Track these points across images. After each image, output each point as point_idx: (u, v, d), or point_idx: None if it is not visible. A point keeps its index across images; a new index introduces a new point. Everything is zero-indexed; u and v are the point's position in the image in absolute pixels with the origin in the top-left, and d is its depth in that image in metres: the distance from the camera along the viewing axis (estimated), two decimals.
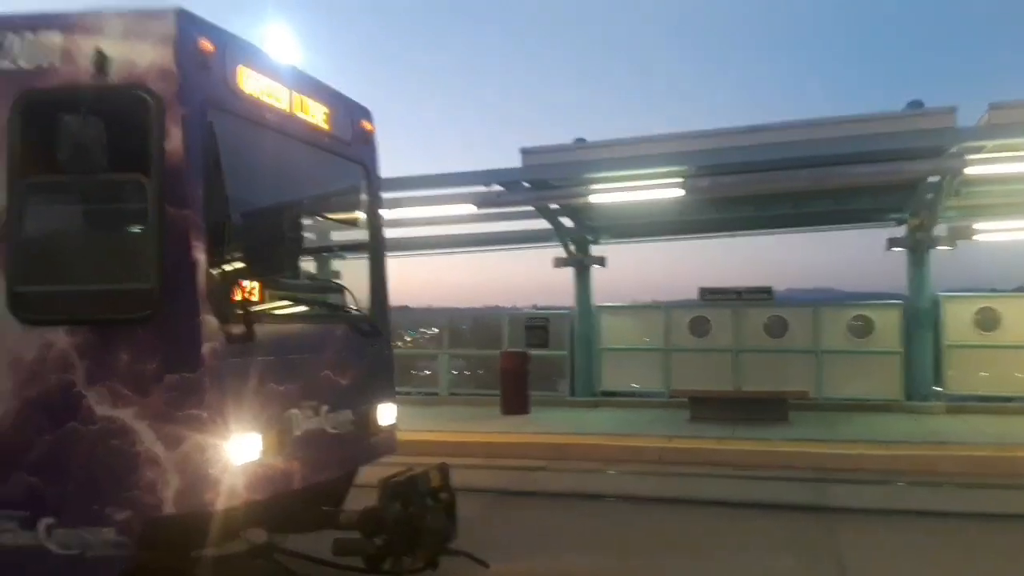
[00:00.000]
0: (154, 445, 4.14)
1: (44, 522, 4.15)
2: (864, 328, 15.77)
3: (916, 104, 13.58)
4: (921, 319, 15.02)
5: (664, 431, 12.59)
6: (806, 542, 7.10)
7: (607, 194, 13.97)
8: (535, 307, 20.18)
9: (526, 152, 14.86)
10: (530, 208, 15.83)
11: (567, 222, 16.81)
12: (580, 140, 15.46)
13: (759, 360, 15.98)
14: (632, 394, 17.05)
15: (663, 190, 13.53)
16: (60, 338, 4.19)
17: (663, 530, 7.65)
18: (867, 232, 17.26)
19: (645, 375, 16.92)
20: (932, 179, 13.70)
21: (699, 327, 16.57)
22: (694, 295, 16.68)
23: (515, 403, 14.84)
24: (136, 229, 4.51)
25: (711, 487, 9.42)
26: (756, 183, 13.85)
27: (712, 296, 16.48)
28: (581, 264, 17.20)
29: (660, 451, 11.32)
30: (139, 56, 4.29)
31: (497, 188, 14.48)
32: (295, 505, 5.19)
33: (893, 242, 15.20)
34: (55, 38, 4.32)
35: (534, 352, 16.21)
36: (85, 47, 4.28)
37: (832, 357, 15.76)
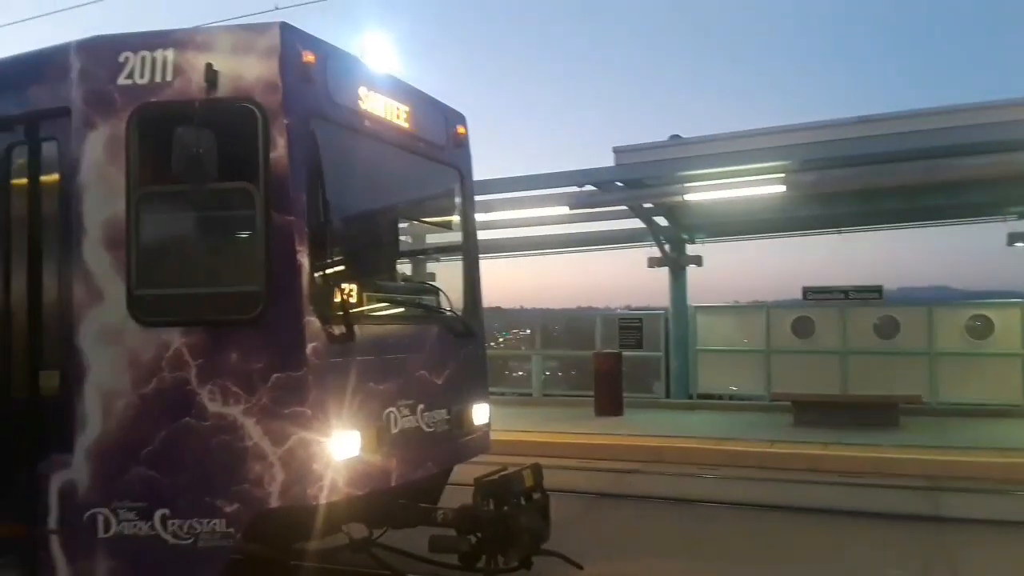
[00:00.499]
0: (261, 441, 4.32)
1: (159, 513, 4.36)
2: (983, 329, 14.88)
3: None
4: None
5: (765, 435, 12.22)
6: (917, 553, 6.75)
7: (704, 192, 13.68)
8: (628, 307, 20.00)
9: (619, 151, 14.76)
10: (623, 208, 15.69)
11: (662, 221, 16.57)
12: (675, 137, 15.23)
13: (868, 362, 15.32)
14: (730, 397, 16.66)
15: (764, 186, 13.15)
16: (175, 338, 4.40)
17: (764, 537, 7.42)
18: (986, 227, 16.31)
19: (744, 377, 16.50)
20: None
21: (802, 328, 16.03)
22: (798, 295, 16.15)
23: (608, 404, 14.74)
24: (244, 235, 4.76)
25: (815, 494, 9.08)
26: (865, 177, 13.26)
27: (816, 295, 15.91)
28: (676, 264, 16.91)
29: (761, 456, 11.00)
30: (246, 70, 4.51)
31: (590, 188, 14.42)
32: (393, 501, 5.32)
33: (1014, 237, 14.30)
34: (168, 55, 4.56)
35: (628, 353, 16.06)
36: (196, 63, 4.51)
37: (948, 359, 14.95)
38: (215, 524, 4.32)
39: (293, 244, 4.40)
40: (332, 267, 4.73)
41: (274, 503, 4.33)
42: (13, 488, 4.68)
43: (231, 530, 4.32)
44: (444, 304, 5.97)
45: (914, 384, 14.53)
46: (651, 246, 17.18)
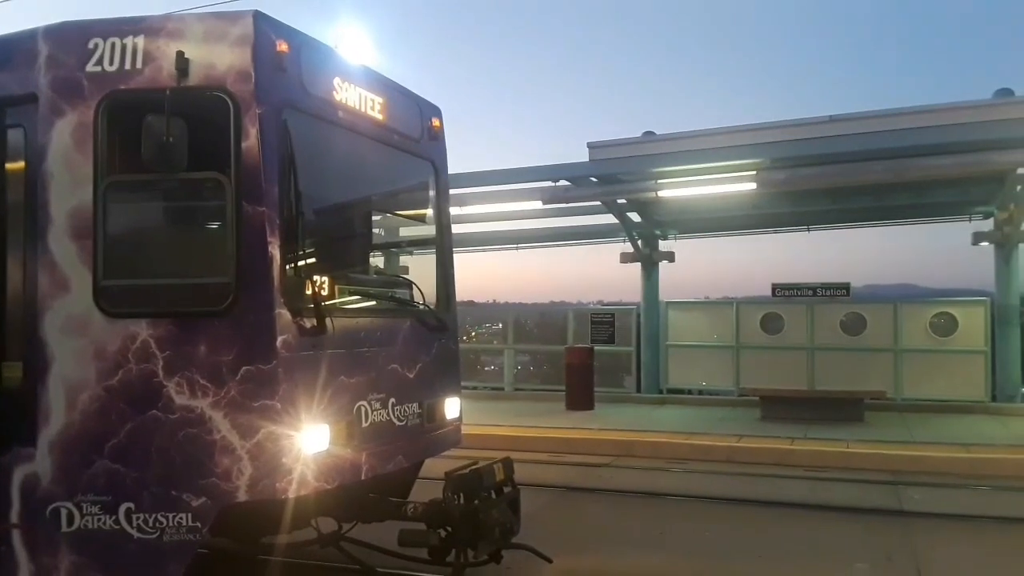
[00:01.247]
0: (229, 434, 4.26)
1: (124, 507, 4.28)
2: (947, 326, 15.15)
3: (1006, 92, 12.95)
4: (1009, 317, 14.37)
5: (734, 430, 12.36)
6: (881, 547, 6.87)
7: (676, 188, 13.75)
8: (600, 303, 20.09)
9: (593, 146, 14.75)
10: (597, 203, 15.73)
11: (635, 217, 16.64)
12: (649, 133, 15.27)
13: (834, 358, 15.53)
14: (700, 392, 16.80)
15: (735, 184, 13.25)
16: (142, 330, 4.32)
17: (731, 531, 7.51)
18: (951, 226, 16.59)
19: (714, 372, 16.65)
20: (1022, 171, 13.02)
21: (771, 324, 16.21)
22: (767, 292, 16.32)
23: (580, 399, 14.79)
24: (214, 225, 4.65)
25: (782, 488, 9.20)
26: (834, 176, 13.40)
27: (785, 292, 16.08)
28: (649, 260, 17.01)
29: (729, 450, 11.12)
30: (218, 58, 4.42)
31: (564, 183, 14.43)
32: (363, 495, 5.28)
33: (979, 236, 14.56)
34: (139, 42, 4.45)
35: (599, 348, 16.13)
36: (167, 50, 4.41)
37: (912, 356, 15.21)
38: (181, 518, 4.26)
39: (264, 235, 4.32)
40: (304, 259, 4.65)
41: (242, 497, 4.27)
42: None
43: (197, 524, 4.26)
44: (417, 298, 5.94)
45: (880, 380, 14.76)
46: (624, 242, 17.24)
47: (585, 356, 15.16)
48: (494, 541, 5.23)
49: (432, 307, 5.98)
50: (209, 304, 4.39)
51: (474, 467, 5.39)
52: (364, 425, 4.91)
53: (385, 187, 6.27)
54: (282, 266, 4.39)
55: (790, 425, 12.60)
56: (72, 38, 4.53)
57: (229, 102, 4.37)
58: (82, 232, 4.38)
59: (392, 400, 5.21)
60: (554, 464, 10.47)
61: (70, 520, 4.32)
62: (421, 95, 6.12)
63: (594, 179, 14.66)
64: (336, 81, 5.05)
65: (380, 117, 5.48)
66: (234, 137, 4.35)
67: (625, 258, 17.18)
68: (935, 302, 16.21)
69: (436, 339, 5.88)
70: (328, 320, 4.63)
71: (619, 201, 15.55)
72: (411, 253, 7.54)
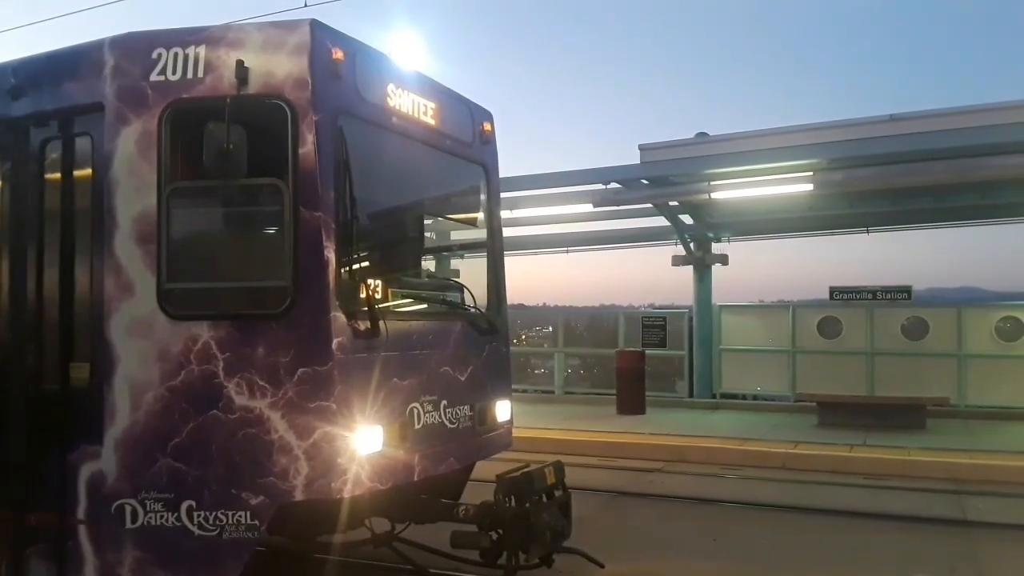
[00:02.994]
0: (287, 434, 4.36)
1: (186, 504, 4.39)
2: (1013, 330, 14.64)
3: None
4: None
5: (789, 436, 12.12)
6: (943, 558, 6.67)
7: (730, 190, 13.58)
8: (651, 306, 19.91)
9: (644, 148, 14.67)
10: (648, 206, 15.62)
11: (687, 219, 16.47)
12: (702, 134, 15.11)
13: (895, 364, 15.14)
14: (754, 397, 16.54)
15: (791, 185, 13.02)
16: (203, 332, 4.43)
17: (786, 538, 7.38)
18: (1017, 227, 16.04)
19: (768, 377, 16.37)
20: None
21: (829, 328, 15.87)
22: (824, 295, 16.00)
23: (631, 403, 14.70)
24: (272, 230, 4.78)
25: (840, 496, 9.00)
26: (894, 176, 13.08)
27: (844, 295, 15.74)
28: (702, 262, 16.81)
29: (785, 456, 10.91)
30: (276, 67, 4.54)
31: (615, 186, 14.37)
32: (415, 496, 5.35)
33: None
34: (200, 51, 4.59)
35: (651, 352, 16.00)
36: (228, 59, 4.53)
37: (976, 361, 14.73)
38: (240, 516, 4.37)
39: (320, 240, 4.43)
40: (359, 263, 4.76)
41: (298, 496, 4.36)
42: (44, 478, 4.75)
43: (256, 522, 4.36)
44: (468, 301, 6.00)
45: (942, 386, 14.33)
46: (676, 244, 17.08)
47: (636, 360, 15.05)
48: (545, 544, 5.23)
49: (483, 310, 6.03)
50: (267, 307, 4.50)
51: (525, 470, 5.40)
52: (417, 427, 4.97)
53: (438, 191, 6.35)
54: (337, 270, 4.49)
55: (848, 432, 12.31)
56: (137, 48, 4.67)
57: (287, 109, 4.48)
58: (146, 237, 4.52)
59: (444, 402, 5.25)
60: (604, 468, 10.42)
61: (134, 517, 4.43)
62: (471, 98, 6.20)
63: (645, 181, 14.57)
64: (390, 87, 5.15)
65: (433, 122, 5.55)
66: (291, 144, 4.46)
67: (677, 261, 17.02)
68: (1000, 306, 15.69)
69: (487, 342, 5.93)
70: (382, 323, 4.70)
71: (671, 203, 15.41)
72: (462, 256, 7.61)
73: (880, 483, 9.66)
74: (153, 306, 4.48)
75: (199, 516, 4.39)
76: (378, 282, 5.05)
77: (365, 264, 4.88)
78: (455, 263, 8.06)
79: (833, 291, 15.84)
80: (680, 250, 16.97)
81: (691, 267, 16.91)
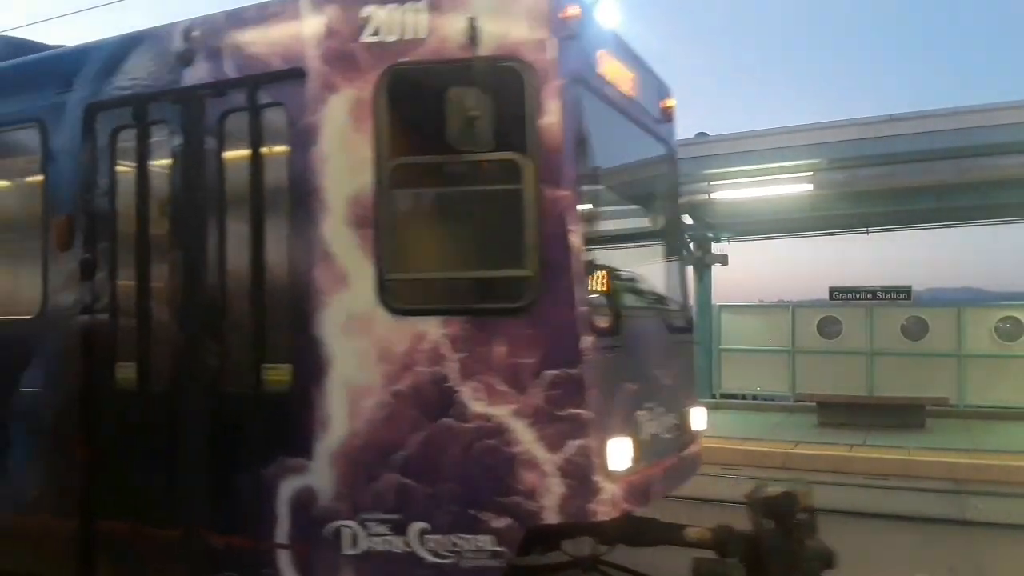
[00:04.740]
0: (533, 447, 3.74)
1: (416, 527, 3.79)
2: (1013, 331, 14.66)
3: None
4: None
5: (789, 436, 12.13)
6: (943, 558, 6.67)
7: (730, 190, 13.59)
8: None
9: None
10: None
11: (686, 219, 16.46)
12: (701, 134, 15.12)
13: (895, 363, 15.15)
14: (754, 396, 16.55)
15: (791, 185, 13.03)
16: (432, 329, 3.82)
17: None
18: (1018, 228, 16.07)
19: (768, 377, 16.39)
20: None
21: (829, 328, 15.89)
22: (824, 295, 16.03)
23: None
24: (511, 212, 4.05)
25: (840, 496, 8.97)
26: (894, 176, 13.10)
27: (844, 296, 15.75)
28: (701, 262, 16.81)
29: (785, 456, 10.92)
30: (511, 25, 3.88)
31: None
32: (635, 516, 4.57)
33: None
34: (420, 9, 3.92)
35: None
36: (453, 18, 3.87)
37: (976, 361, 14.75)
38: (481, 541, 3.74)
39: (565, 223, 3.79)
40: (596, 250, 4.23)
41: (550, 518, 3.73)
42: (232, 496, 4.14)
43: (501, 548, 3.73)
44: (668, 293, 5.36)
45: (942, 386, 14.35)
46: None
47: None
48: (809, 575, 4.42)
49: (681, 303, 5.40)
50: (508, 300, 3.91)
51: (784, 490, 4.59)
52: (644, 438, 4.36)
53: (636, 172, 5.64)
54: (583, 258, 3.90)
55: (848, 431, 12.32)
56: (344, 6, 4.04)
57: (525, 74, 3.83)
58: (362, 221, 3.90)
59: (661, 409, 4.64)
60: None
61: (353, 541, 3.84)
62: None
63: None
64: (601, 52, 4.42)
65: (633, 94, 4.85)
66: (531, 112, 3.82)
67: None
68: (1000, 306, 15.71)
69: (686, 340, 5.37)
70: (621, 319, 4.20)
71: None
72: (649, 245, 6.87)
73: (880, 483, 9.67)
74: (372, 300, 3.88)
75: (432, 540, 3.78)
76: (609, 272, 4.46)
77: (600, 251, 4.35)
78: (642, 251, 7.09)
79: (833, 291, 15.86)
80: None
81: (691, 267, 16.92)
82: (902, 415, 12.94)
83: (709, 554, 4.38)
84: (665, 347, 4.96)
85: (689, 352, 5.43)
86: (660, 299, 5.25)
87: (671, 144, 5.57)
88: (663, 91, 5.43)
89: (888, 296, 15.51)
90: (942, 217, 16.16)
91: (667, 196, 5.78)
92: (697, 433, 5.28)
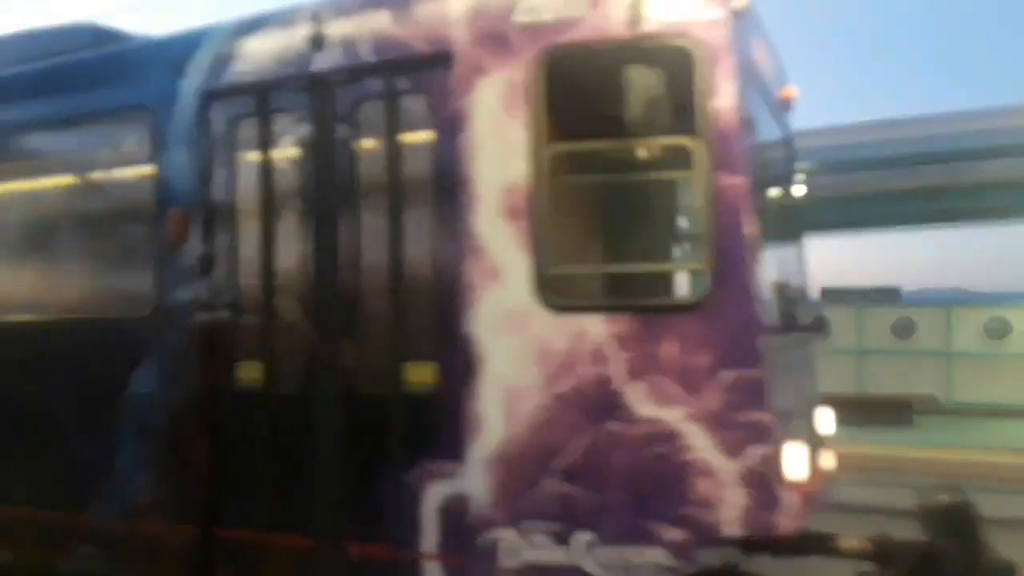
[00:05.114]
0: (710, 453, 3.47)
1: (580, 537, 3.56)
2: (1001, 330, 14.95)
3: None
4: None
5: None
6: None
7: None
8: None
9: None
10: None
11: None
12: None
13: (883, 362, 15.41)
14: None
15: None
16: (596, 327, 3.58)
17: None
18: (1009, 230, 16.37)
19: None
20: None
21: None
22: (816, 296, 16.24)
23: None
24: (681, 201, 3.94)
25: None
26: (886, 179, 13.36)
27: (834, 296, 16.00)
28: None
29: None
30: (679, 2, 3.65)
31: None
32: None
33: None
34: None
35: None
36: None
37: (964, 360, 15.03)
38: (654, 554, 3.49)
39: (740, 213, 3.52)
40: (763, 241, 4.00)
41: (729, 531, 3.46)
42: (371, 503, 3.91)
43: (675, 562, 3.47)
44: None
45: (930, 384, 14.61)
46: None
47: None
48: None
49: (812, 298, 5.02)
50: (680, 296, 3.76)
51: (957, 498, 4.30)
52: (812, 443, 4.11)
53: (774, 161, 5.34)
54: (757, 250, 3.64)
55: (837, 428, 12.53)
56: None
57: (695, 54, 3.57)
58: (517, 211, 3.67)
59: (808, 414, 4.45)
60: None
61: (512, 551, 3.63)
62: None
63: None
64: (756, 36, 4.23)
65: (770, 80, 4.57)
66: (702, 95, 3.56)
67: None
68: (988, 306, 16.00)
69: (818, 340, 5.16)
70: (791, 316, 3.99)
71: None
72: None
73: (867, 480, 9.89)
74: (528, 295, 3.65)
75: (599, 552, 3.53)
76: (771, 265, 4.13)
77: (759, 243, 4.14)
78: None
79: (824, 292, 16.12)
80: None
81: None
82: (890, 412, 13.19)
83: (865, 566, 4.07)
84: (806, 345, 4.78)
85: (815, 352, 5.13)
86: (803, 295, 5.04)
87: (789, 133, 5.28)
88: (784, 79, 5.13)
89: (878, 296, 15.76)
90: (933, 219, 16.46)
91: (788, 185, 5.48)
92: (825, 437, 4.98)
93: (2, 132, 5.16)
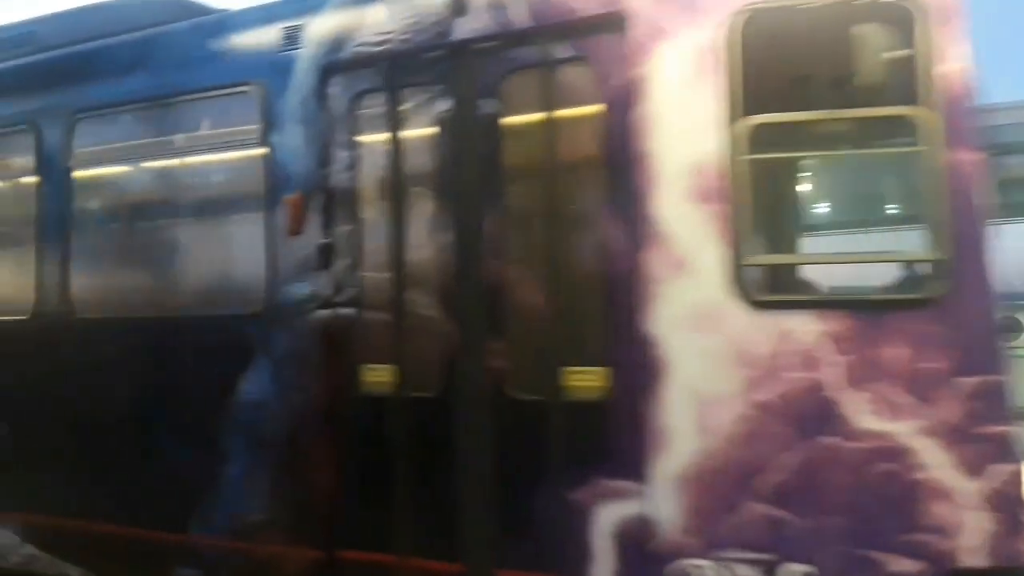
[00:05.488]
0: (946, 472, 3.08)
1: (792, 569, 3.20)
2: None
3: None
4: None
5: None
6: None
7: None
8: None
9: None
10: None
11: None
12: None
13: None
14: None
15: None
16: (806, 326, 3.19)
17: None
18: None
19: None
20: None
21: None
22: None
23: None
24: (908, 179, 3.44)
25: None
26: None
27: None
28: None
29: None
30: None
31: None
32: None
33: None
34: None
35: None
36: None
37: None
38: None
39: (977, 194, 3.12)
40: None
41: (972, 561, 3.07)
42: (528, 525, 3.51)
43: None
44: None
45: None
46: None
47: None
48: None
49: None
50: (912, 290, 3.36)
51: None
52: None
53: None
54: (994, 237, 3.26)
55: None
56: None
57: (916, 13, 3.15)
58: (708, 194, 3.28)
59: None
60: None
61: None
62: None
63: None
64: None
65: None
66: (925, 59, 3.16)
67: None
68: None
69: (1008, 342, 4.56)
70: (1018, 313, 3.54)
71: None
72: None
73: None
74: (722, 290, 3.26)
75: None
76: None
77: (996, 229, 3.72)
78: None
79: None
80: None
81: None
82: None
83: None
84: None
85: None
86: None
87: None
88: None
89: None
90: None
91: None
92: None
93: (91, 112, 4.65)
